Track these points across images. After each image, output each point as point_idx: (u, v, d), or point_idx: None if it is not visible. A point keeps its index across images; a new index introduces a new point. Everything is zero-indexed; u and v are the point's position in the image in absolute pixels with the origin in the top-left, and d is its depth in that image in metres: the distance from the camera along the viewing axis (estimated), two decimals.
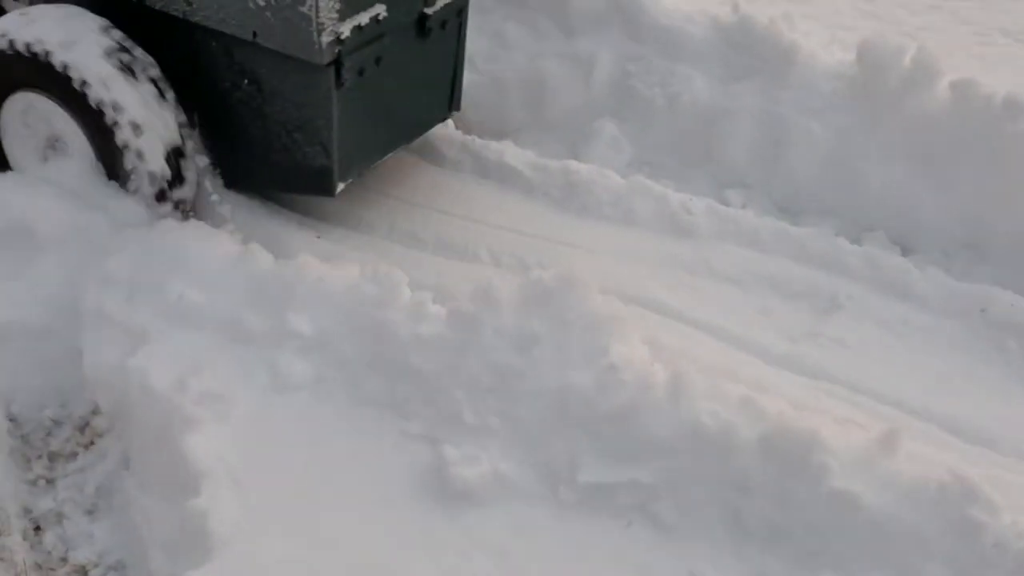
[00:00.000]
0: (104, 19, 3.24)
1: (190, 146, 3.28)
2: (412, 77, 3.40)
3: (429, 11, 3.32)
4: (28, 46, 3.17)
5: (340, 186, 3.29)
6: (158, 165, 3.18)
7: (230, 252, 2.97)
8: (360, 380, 2.76)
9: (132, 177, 3.18)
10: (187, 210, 3.28)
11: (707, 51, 3.92)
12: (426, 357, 2.73)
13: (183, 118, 3.26)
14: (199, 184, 3.34)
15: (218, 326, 2.85)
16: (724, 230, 3.52)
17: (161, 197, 3.20)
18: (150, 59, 3.22)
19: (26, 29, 3.20)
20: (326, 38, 2.99)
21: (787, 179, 3.79)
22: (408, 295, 2.83)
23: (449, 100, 3.65)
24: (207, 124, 3.34)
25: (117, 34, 3.20)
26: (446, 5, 3.38)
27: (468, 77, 3.96)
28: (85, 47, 3.15)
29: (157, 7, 3.22)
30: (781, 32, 3.85)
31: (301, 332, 2.81)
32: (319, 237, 3.34)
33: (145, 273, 2.95)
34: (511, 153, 3.74)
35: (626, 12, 3.96)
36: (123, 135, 3.13)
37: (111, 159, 3.19)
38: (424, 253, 3.39)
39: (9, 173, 3.35)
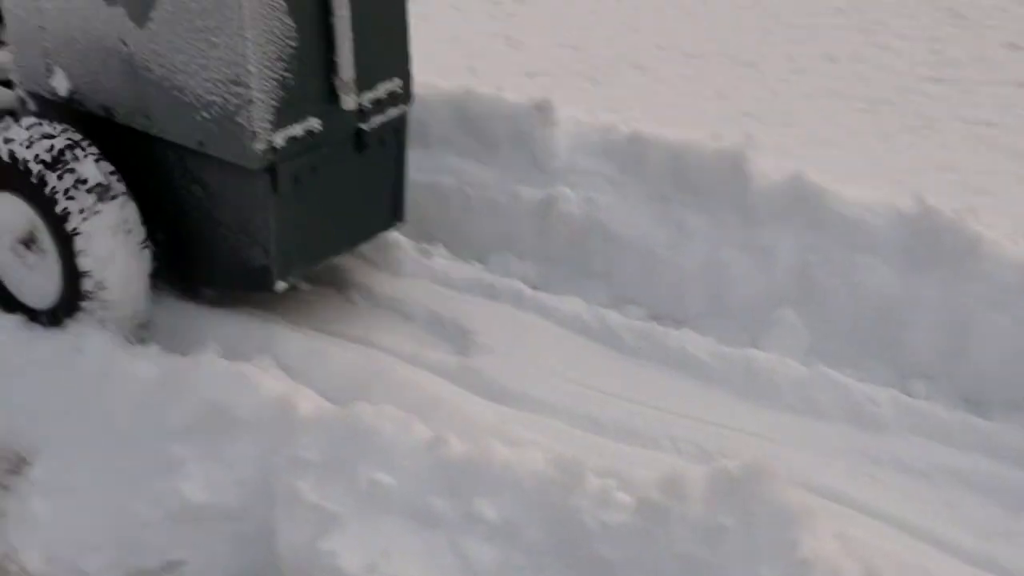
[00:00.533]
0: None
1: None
2: (351, 187, 3.68)
3: (366, 127, 3.60)
4: None
5: (280, 284, 3.57)
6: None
7: (420, 436, 3.03)
8: (546, 567, 2.77)
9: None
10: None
11: (889, 241, 3.91)
12: (613, 546, 2.73)
13: None
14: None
15: (407, 510, 2.89)
16: (910, 422, 3.47)
17: None
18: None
19: None
20: (260, 146, 3.30)
21: (973, 371, 3.72)
22: (594, 482, 2.84)
23: (392, 211, 3.89)
24: (166, 227, 3.69)
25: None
26: (383, 123, 3.65)
27: (648, 266, 4.02)
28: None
29: (122, 121, 3.59)
30: (966, 223, 3.83)
31: (487, 517, 2.83)
32: (504, 423, 3.39)
33: (336, 455, 3.02)
34: (691, 340, 3.77)
35: (808, 203, 3.99)
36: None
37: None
38: (605, 439, 3.41)
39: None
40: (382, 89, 3.63)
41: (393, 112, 3.70)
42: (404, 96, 3.72)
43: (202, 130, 3.42)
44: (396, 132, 3.77)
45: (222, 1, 3.22)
